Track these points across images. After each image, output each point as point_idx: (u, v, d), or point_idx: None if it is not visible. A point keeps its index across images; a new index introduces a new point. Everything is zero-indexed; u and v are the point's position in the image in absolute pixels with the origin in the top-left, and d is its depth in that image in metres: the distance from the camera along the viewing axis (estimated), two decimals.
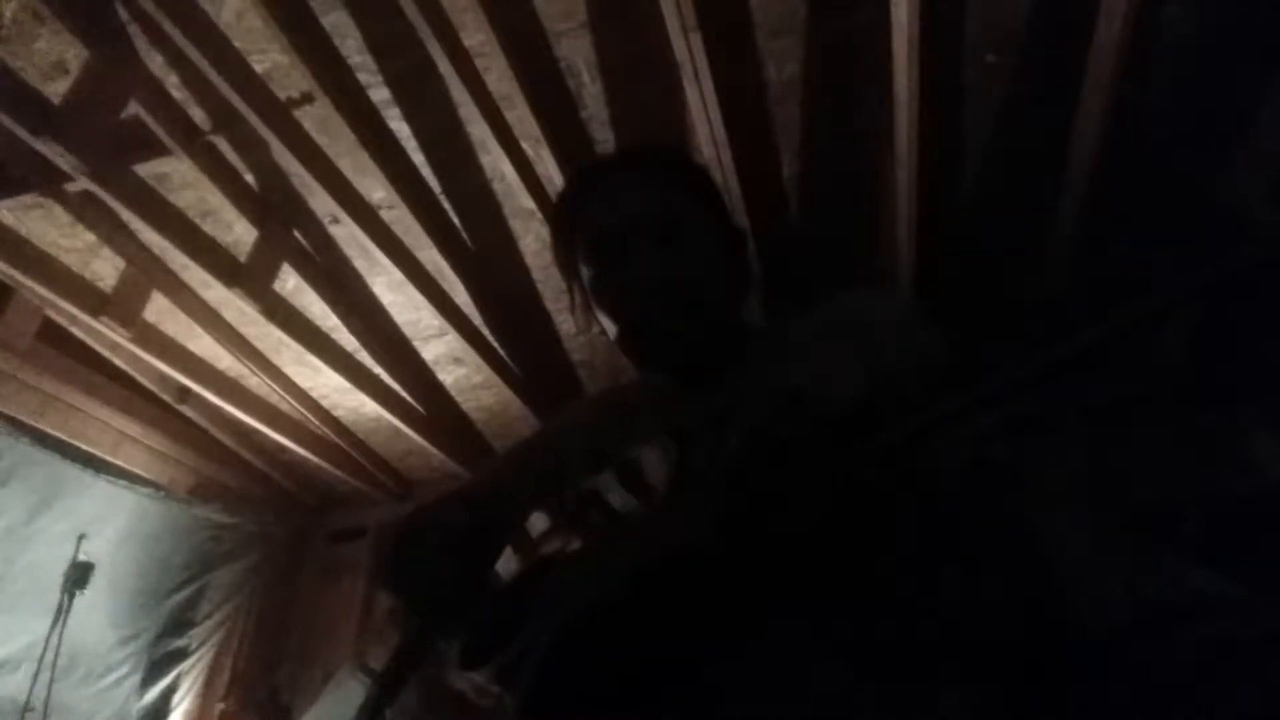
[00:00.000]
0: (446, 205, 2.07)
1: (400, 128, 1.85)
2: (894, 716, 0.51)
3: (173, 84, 1.73)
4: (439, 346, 2.62)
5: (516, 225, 2.13)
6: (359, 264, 2.27)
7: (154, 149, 1.81)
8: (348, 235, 2.14)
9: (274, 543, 3.44)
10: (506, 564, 0.67)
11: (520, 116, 1.75)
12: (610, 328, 0.75)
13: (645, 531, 0.58)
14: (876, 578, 0.55)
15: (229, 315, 2.40)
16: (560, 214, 0.81)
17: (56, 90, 1.65)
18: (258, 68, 1.69)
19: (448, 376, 2.77)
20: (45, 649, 2.36)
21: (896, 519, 0.57)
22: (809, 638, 0.52)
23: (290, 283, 2.28)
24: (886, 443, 0.52)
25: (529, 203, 1.95)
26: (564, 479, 0.71)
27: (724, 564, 0.53)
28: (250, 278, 2.09)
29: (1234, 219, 1.86)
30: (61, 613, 2.40)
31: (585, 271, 0.76)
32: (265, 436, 2.93)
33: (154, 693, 2.86)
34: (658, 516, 0.59)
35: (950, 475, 0.58)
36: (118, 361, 2.54)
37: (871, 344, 0.66)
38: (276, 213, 2.09)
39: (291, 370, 2.68)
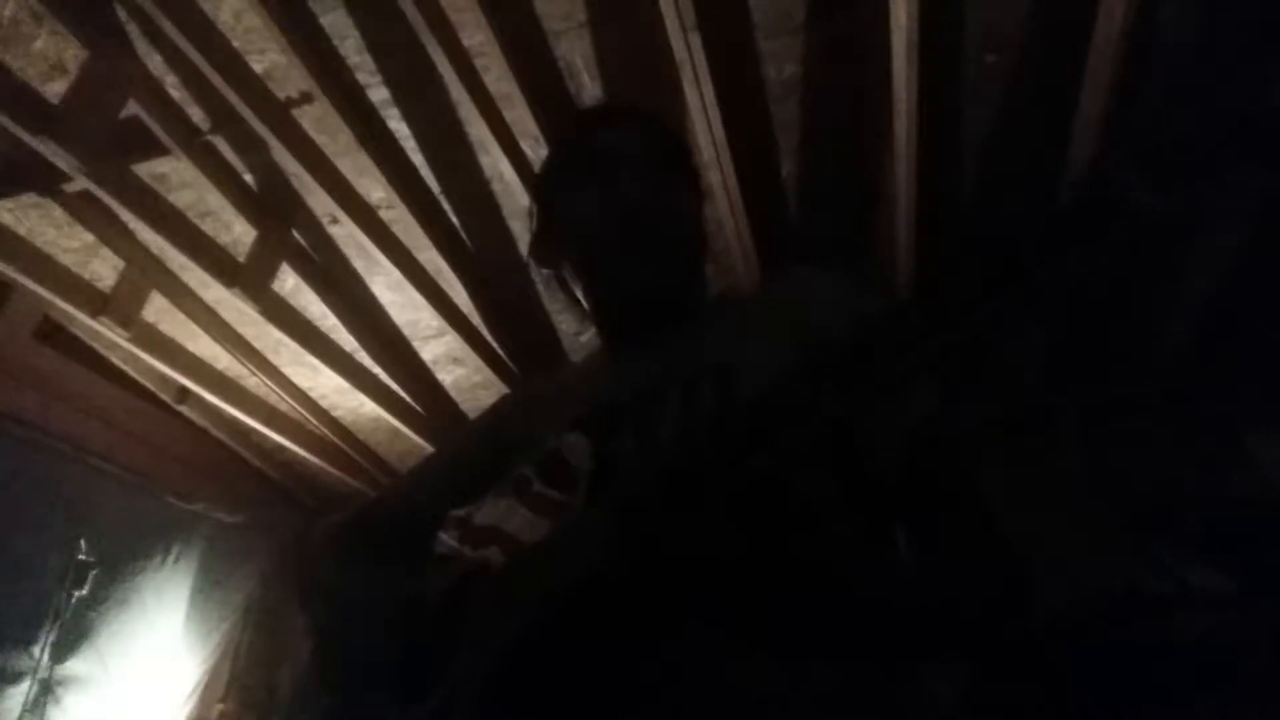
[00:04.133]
0: (446, 205, 2.06)
1: (399, 128, 1.84)
2: (870, 704, 0.52)
3: (171, 84, 1.73)
4: (438, 347, 2.61)
5: (516, 225, 2.13)
6: (358, 264, 2.27)
7: (153, 149, 1.81)
8: (347, 235, 2.14)
9: (274, 543, 3.44)
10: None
11: (519, 116, 1.75)
12: (579, 251, 0.77)
13: (570, 544, 0.57)
14: (820, 568, 0.55)
15: (228, 315, 2.39)
16: (564, 140, 0.86)
17: (55, 90, 1.65)
18: (256, 67, 1.69)
19: (447, 377, 2.77)
20: (44, 649, 2.35)
21: (834, 512, 0.57)
22: (736, 640, 0.52)
23: (289, 283, 2.28)
24: (807, 420, 0.51)
25: (529, 203, 1.95)
26: (492, 474, 0.71)
27: (643, 581, 0.53)
28: (249, 278, 2.08)
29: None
30: (60, 613, 2.39)
31: (569, 191, 0.79)
32: (264, 437, 2.93)
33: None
34: (581, 525, 0.58)
35: (892, 460, 0.58)
36: (117, 361, 2.54)
37: (807, 318, 0.66)
38: (275, 213, 2.08)
39: (290, 370, 2.68)
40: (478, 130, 1.79)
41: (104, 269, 2.20)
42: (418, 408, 2.79)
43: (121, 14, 1.58)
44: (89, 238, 2.08)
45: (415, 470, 0.89)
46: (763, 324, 0.70)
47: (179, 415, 2.88)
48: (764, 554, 0.54)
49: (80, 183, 1.76)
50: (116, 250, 2.10)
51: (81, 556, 2.45)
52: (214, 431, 3.02)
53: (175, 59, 1.66)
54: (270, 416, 2.81)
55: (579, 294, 0.82)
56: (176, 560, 2.98)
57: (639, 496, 0.53)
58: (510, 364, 2.62)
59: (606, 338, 0.82)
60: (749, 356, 0.63)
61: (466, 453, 0.84)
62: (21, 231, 2.05)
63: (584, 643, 0.53)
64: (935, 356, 0.48)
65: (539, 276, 0.87)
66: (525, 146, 1.86)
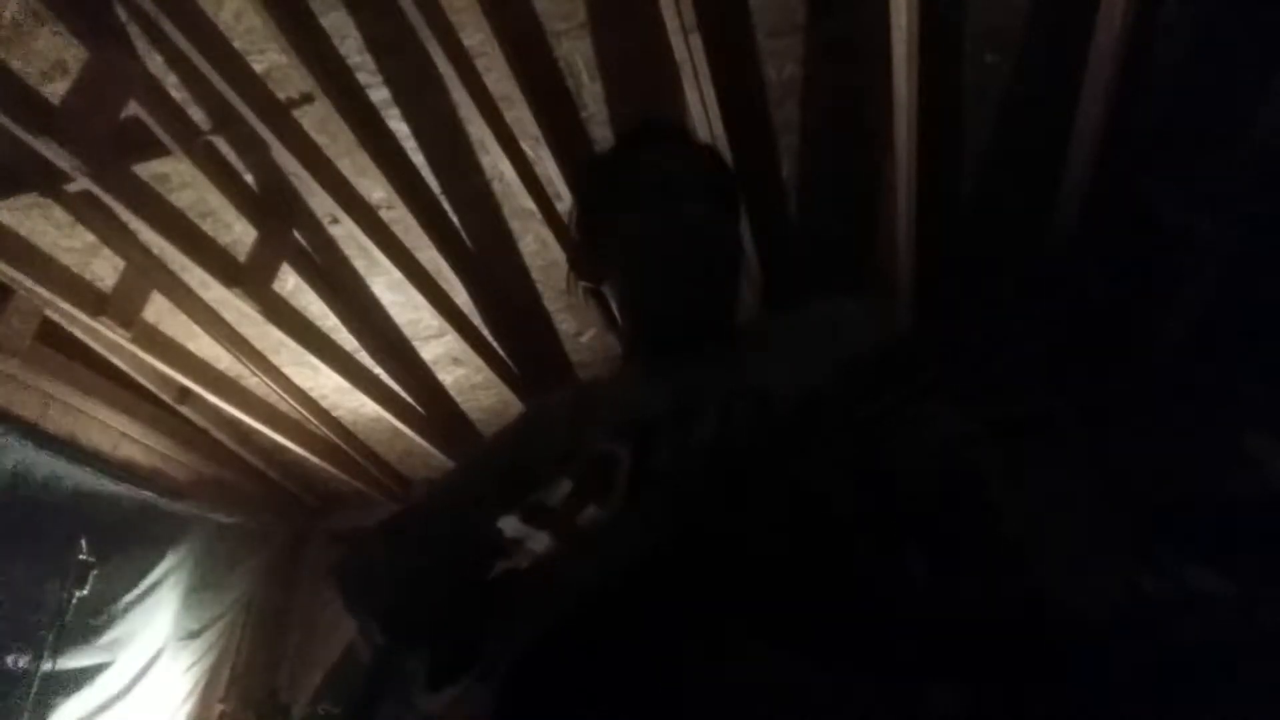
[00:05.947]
0: (446, 205, 2.06)
1: (400, 128, 1.84)
2: (875, 712, 0.52)
3: (172, 84, 1.73)
4: (438, 347, 2.62)
5: (516, 225, 2.13)
6: (358, 264, 2.27)
7: (153, 149, 1.81)
8: (347, 235, 2.14)
9: (274, 543, 3.44)
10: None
11: (520, 116, 1.75)
12: (631, 269, 0.78)
13: (605, 542, 0.58)
14: (841, 578, 0.56)
15: (228, 315, 2.40)
16: (617, 154, 0.84)
17: (56, 90, 1.65)
18: (257, 68, 1.69)
19: (447, 377, 2.77)
20: (44, 648, 2.35)
21: (857, 526, 0.58)
22: (770, 639, 0.53)
23: (290, 283, 2.28)
24: (836, 434, 0.53)
25: (529, 203, 1.95)
26: (526, 482, 0.71)
27: (683, 573, 0.53)
28: (250, 278, 2.08)
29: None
30: (61, 613, 2.40)
31: (627, 209, 0.78)
32: (265, 437, 2.93)
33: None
34: (617, 524, 0.59)
35: (918, 478, 0.60)
36: (117, 362, 2.55)
37: (839, 345, 0.67)
38: (276, 213, 2.09)
39: (291, 370, 2.68)
40: (478, 130, 1.79)
41: (104, 269, 2.20)
42: (418, 408, 2.79)
43: (121, 14, 1.58)
44: (89, 238, 2.09)
45: (438, 484, 0.89)
46: (796, 348, 0.71)
47: (179, 415, 2.88)
48: (794, 558, 0.55)
49: (80, 183, 1.76)
50: (116, 250, 2.10)
51: (81, 556, 2.45)
52: (214, 431, 3.02)
53: (175, 59, 1.66)
54: (270, 416, 2.82)
55: (617, 309, 0.82)
56: (175, 560, 2.98)
57: (678, 498, 0.55)
58: (510, 364, 2.62)
59: (644, 353, 0.82)
60: (783, 380, 0.64)
61: (489, 465, 0.84)
62: (22, 232, 2.05)
63: (605, 640, 0.54)
64: (951, 374, 0.49)
65: (575, 290, 0.86)
66: (525, 146, 1.86)
